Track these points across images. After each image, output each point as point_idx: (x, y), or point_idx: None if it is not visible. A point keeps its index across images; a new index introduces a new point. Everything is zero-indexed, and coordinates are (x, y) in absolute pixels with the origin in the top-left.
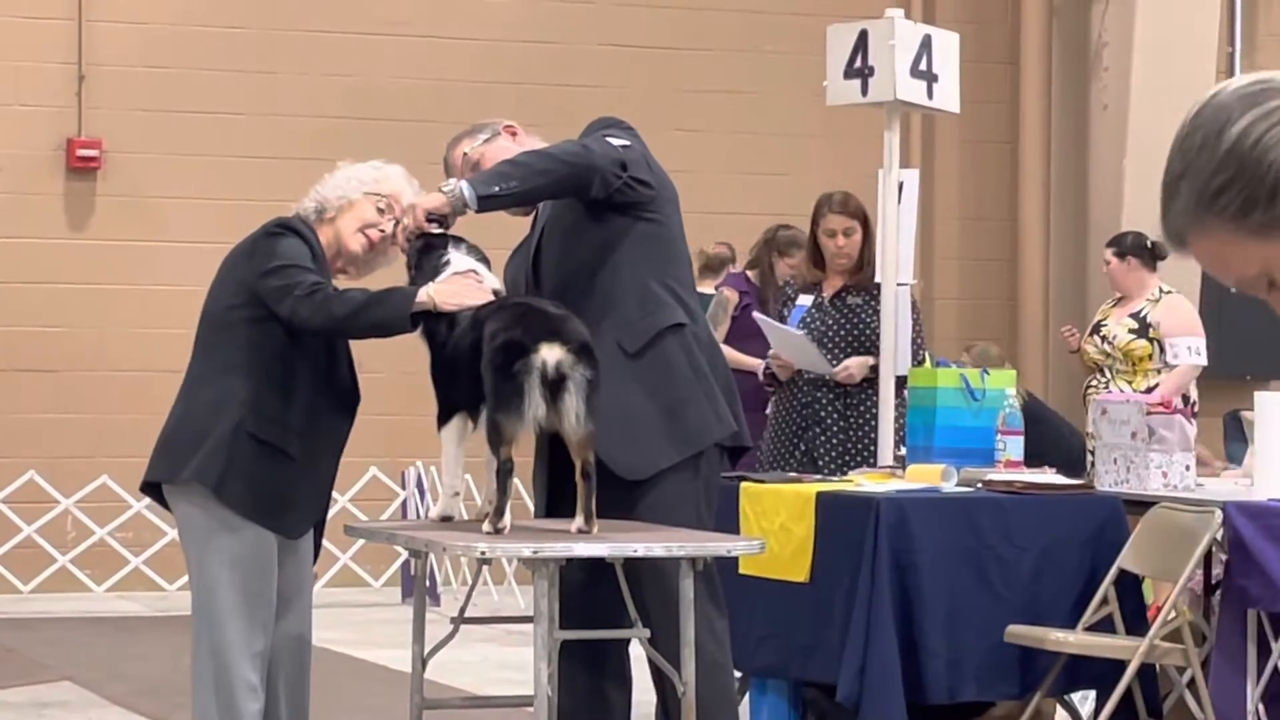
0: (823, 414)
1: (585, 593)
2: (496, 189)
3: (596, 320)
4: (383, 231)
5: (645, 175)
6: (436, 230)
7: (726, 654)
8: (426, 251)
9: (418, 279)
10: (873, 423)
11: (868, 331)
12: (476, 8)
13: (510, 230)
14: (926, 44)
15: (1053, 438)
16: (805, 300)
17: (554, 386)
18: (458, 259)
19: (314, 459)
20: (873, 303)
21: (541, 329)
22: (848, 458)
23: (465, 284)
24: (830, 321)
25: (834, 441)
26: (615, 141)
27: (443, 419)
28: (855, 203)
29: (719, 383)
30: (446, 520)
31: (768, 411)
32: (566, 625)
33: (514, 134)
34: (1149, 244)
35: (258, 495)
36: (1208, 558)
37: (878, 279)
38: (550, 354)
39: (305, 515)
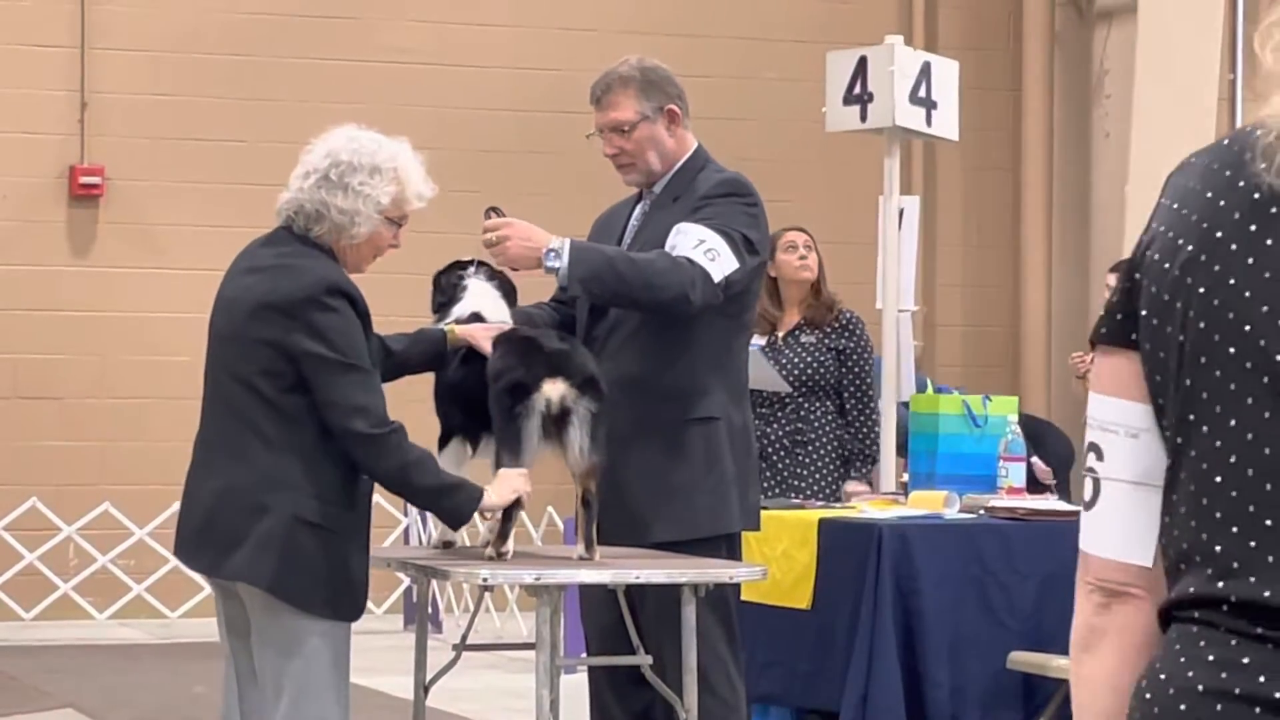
0: (769, 449)
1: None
2: (593, 289)
3: (631, 374)
4: (393, 245)
5: (742, 290)
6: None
7: (740, 699)
8: (447, 271)
9: (435, 295)
10: (817, 460)
11: (821, 370)
12: (479, 36)
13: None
14: (926, 71)
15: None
16: (759, 341)
17: (558, 421)
18: (475, 285)
19: (364, 526)
20: (825, 341)
21: (544, 366)
22: (792, 494)
23: (512, 482)
24: (784, 360)
25: (779, 480)
26: (729, 267)
27: (442, 444)
28: (808, 233)
29: (738, 475)
30: (448, 546)
31: None
32: (604, 652)
33: (675, 119)
34: None
35: (323, 586)
36: None
37: (877, 304)
38: (553, 390)
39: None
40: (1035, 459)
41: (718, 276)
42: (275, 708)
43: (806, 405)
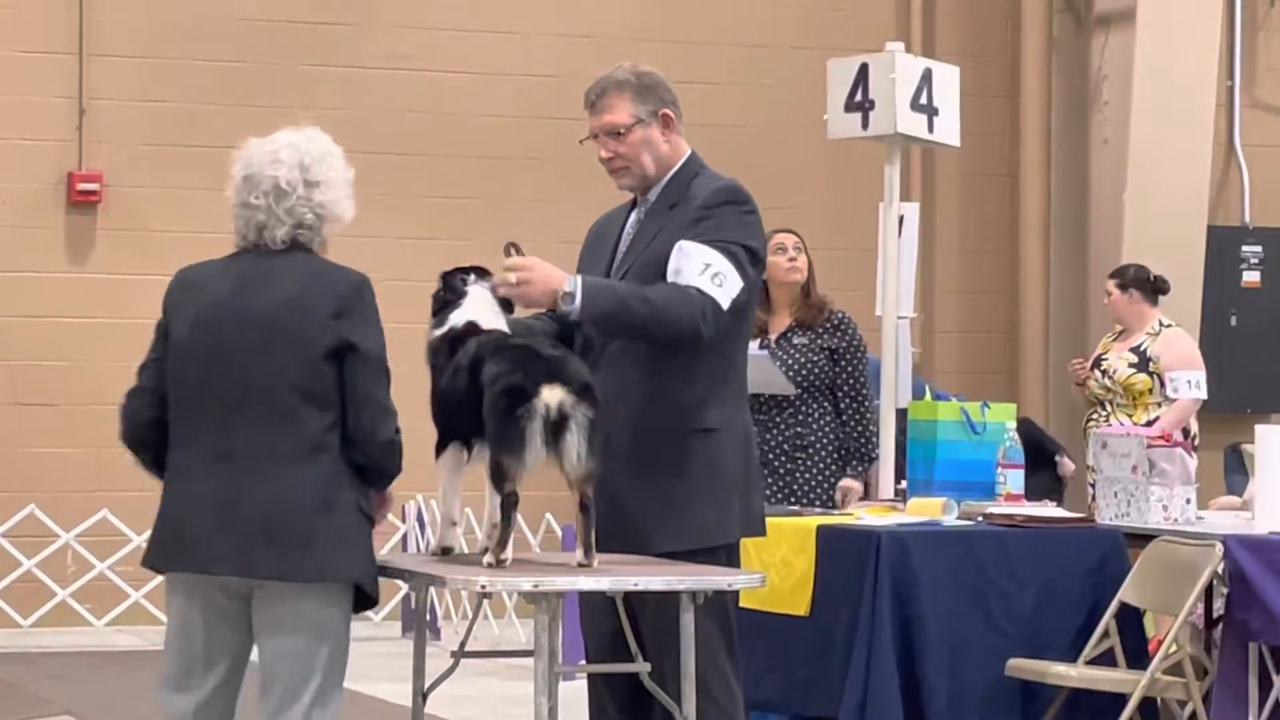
0: (770, 457)
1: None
2: (605, 326)
3: (631, 385)
4: None
5: (745, 308)
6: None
7: (738, 706)
8: (447, 277)
9: (434, 301)
10: (819, 462)
11: (820, 372)
12: (476, 42)
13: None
14: (927, 77)
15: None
16: (751, 346)
17: (556, 427)
18: (476, 293)
19: None
20: (818, 341)
21: (542, 372)
22: (794, 498)
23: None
24: (778, 364)
25: (780, 484)
26: (735, 289)
27: (439, 449)
28: (798, 235)
29: (739, 484)
30: (446, 551)
31: None
32: (603, 659)
33: (669, 124)
34: (1151, 277)
35: (375, 570)
36: (1209, 591)
37: (877, 311)
38: (552, 396)
39: None
40: (1063, 457)
41: (726, 303)
42: (304, 688)
43: (805, 408)
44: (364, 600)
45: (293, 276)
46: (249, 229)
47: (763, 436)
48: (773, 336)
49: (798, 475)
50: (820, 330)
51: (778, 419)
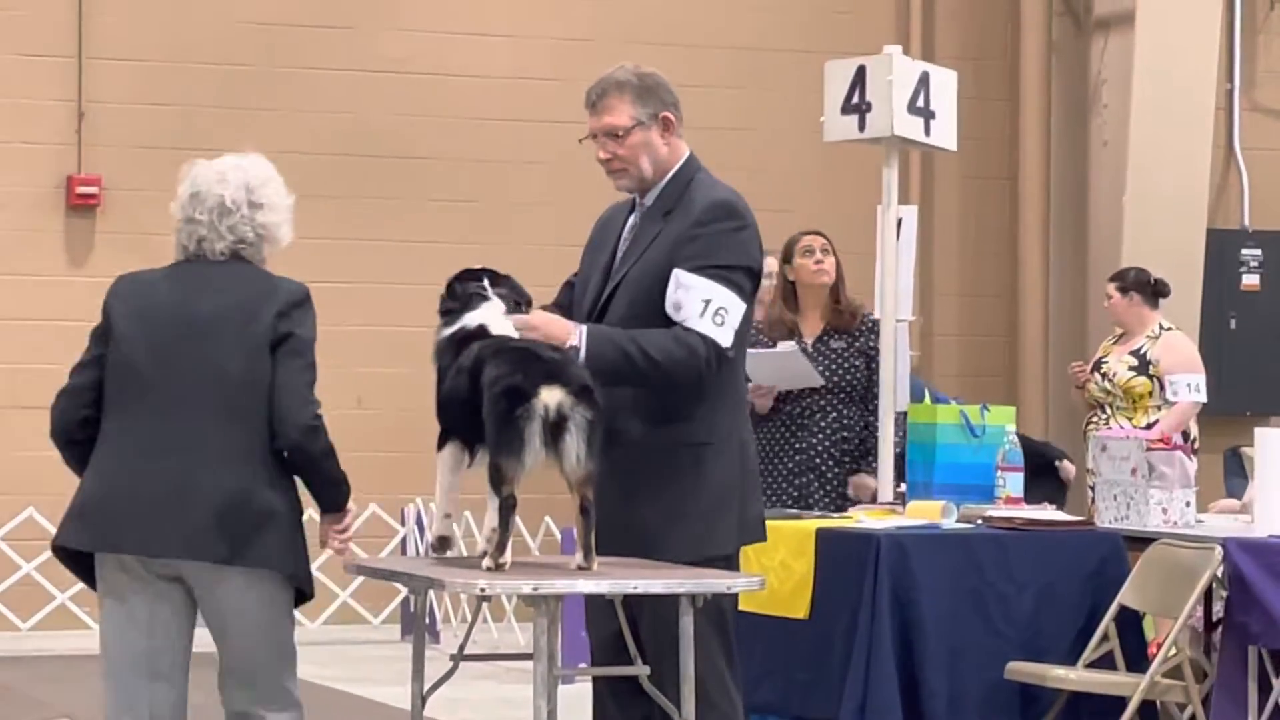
0: (817, 460)
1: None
2: (608, 380)
3: (628, 399)
4: None
5: (745, 326)
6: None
7: (737, 709)
8: (464, 279)
9: (446, 301)
10: (869, 469)
11: (859, 376)
12: (475, 45)
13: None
14: (924, 81)
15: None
16: (786, 346)
17: (555, 428)
18: (494, 301)
19: None
20: (855, 344)
21: (541, 373)
22: (844, 503)
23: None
24: (818, 367)
25: (829, 489)
26: (737, 320)
27: (440, 445)
28: (826, 237)
29: (736, 493)
30: (442, 541)
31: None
32: (608, 661)
33: (669, 127)
34: (1151, 280)
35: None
36: (1208, 594)
37: (876, 314)
38: (551, 397)
39: None
40: (1064, 461)
41: (728, 340)
42: (279, 674)
43: (848, 411)
44: (300, 596)
45: (239, 282)
46: (190, 241)
47: (807, 441)
48: (808, 340)
49: (845, 480)
50: (857, 334)
51: (821, 423)
